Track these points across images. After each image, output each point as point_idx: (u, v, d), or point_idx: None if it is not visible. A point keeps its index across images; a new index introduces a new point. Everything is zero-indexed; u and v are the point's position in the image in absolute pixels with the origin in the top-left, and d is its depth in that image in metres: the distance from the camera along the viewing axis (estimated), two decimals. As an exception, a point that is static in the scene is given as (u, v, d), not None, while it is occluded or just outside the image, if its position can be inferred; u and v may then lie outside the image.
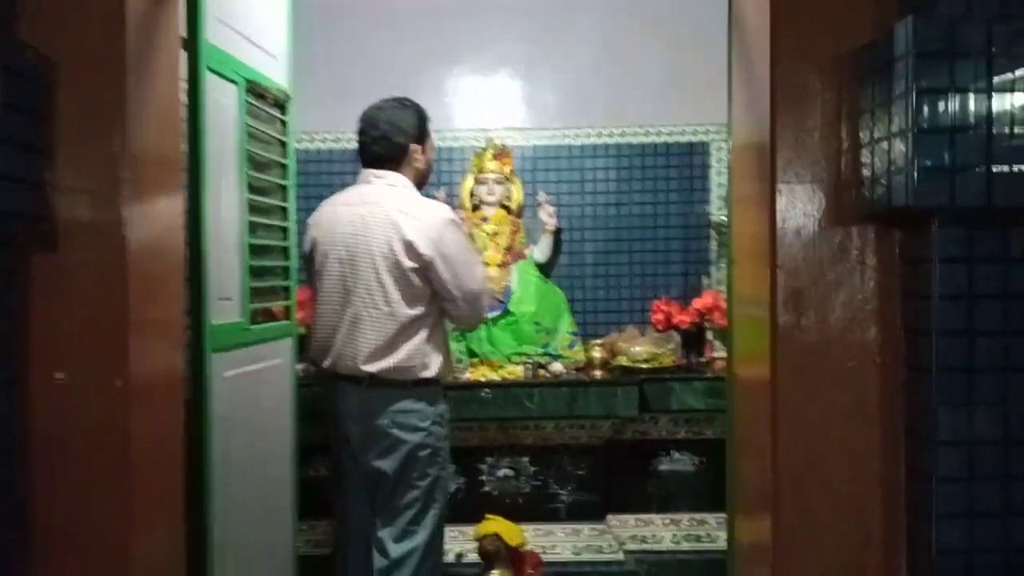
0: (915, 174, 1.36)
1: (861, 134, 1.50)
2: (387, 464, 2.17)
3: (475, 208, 3.87)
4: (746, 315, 1.80)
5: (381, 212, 2.14)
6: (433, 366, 2.20)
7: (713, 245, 4.04)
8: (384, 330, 2.13)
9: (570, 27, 4.05)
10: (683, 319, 3.89)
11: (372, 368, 2.13)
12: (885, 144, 1.42)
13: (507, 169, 3.89)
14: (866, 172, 1.49)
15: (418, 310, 2.15)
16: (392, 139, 2.26)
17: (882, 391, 1.55)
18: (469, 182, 3.91)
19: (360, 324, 2.13)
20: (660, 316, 3.92)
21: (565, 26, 4.05)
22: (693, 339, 3.92)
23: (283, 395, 2.40)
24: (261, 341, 2.24)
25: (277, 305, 2.39)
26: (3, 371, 1.49)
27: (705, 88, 4.21)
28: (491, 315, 3.72)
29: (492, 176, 3.83)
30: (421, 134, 2.32)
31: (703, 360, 3.83)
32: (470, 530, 3.18)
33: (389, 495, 2.20)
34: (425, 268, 2.12)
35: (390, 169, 2.26)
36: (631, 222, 4.06)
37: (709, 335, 3.94)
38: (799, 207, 1.56)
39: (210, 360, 1.92)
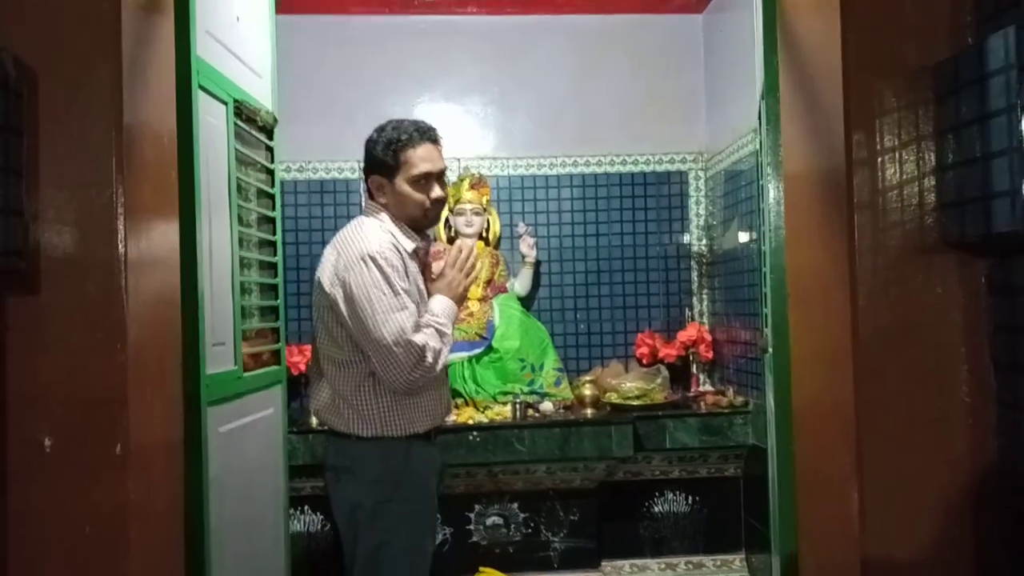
0: (1014, 197, 1.25)
1: (949, 155, 1.40)
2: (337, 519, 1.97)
3: (451, 240, 3.69)
4: (809, 352, 1.67)
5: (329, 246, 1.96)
6: (353, 424, 1.88)
7: (695, 276, 3.95)
8: (314, 368, 1.97)
9: (542, 53, 3.95)
10: (669, 352, 3.78)
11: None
12: (982, 165, 1.31)
13: (484, 199, 3.73)
14: (951, 196, 1.38)
15: (337, 353, 1.89)
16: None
17: (972, 436, 1.43)
18: (445, 212, 3.73)
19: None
20: (645, 349, 3.80)
21: (536, 51, 3.95)
22: (679, 372, 3.81)
23: (275, 448, 2.16)
24: (254, 390, 2.01)
25: (267, 350, 2.15)
26: (-24, 438, 1.24)
27: (680, 116, 4.20)
28: (474, 352, 3.57)
29: (470, 207, 3.67)
30: (374, 166, 1.95)
31: (690, 394, 3.72)
32: (460, 584, 2.96)
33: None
34: (333, 307, 1.85)
35: (371, 200, 2.00)
36: (610, 252, 3.94)
37: (694, 368, 3.84)
38: (878, 237, 1.44)
39: (206, 415, 1.69)
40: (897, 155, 1.45)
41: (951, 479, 1.43)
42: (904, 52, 1.45)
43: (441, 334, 1.90)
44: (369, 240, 1.86)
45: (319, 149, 3.85)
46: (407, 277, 1.90)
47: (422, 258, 2.04)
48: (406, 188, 1.91)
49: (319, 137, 3.81)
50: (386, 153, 1.91)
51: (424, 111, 3.94)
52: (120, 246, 1.33)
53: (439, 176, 1.96)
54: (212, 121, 1.84)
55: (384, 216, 1.95)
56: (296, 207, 3.85)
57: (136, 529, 1.32)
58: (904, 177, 1.45)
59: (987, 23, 1.40)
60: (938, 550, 1.43)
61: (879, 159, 1.44)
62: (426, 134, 1.94)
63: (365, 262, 1.82)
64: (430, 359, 1.84)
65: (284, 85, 3.27)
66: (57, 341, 1.30)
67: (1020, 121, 1.25)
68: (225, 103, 1.92)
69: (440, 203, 1.97)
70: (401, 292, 1.84)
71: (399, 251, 1.90)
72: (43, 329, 1.30)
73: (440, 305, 1.95)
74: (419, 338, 1.82)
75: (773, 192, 1.84)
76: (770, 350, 1.92)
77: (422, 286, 1.99)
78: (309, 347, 3.49)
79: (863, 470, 1.43)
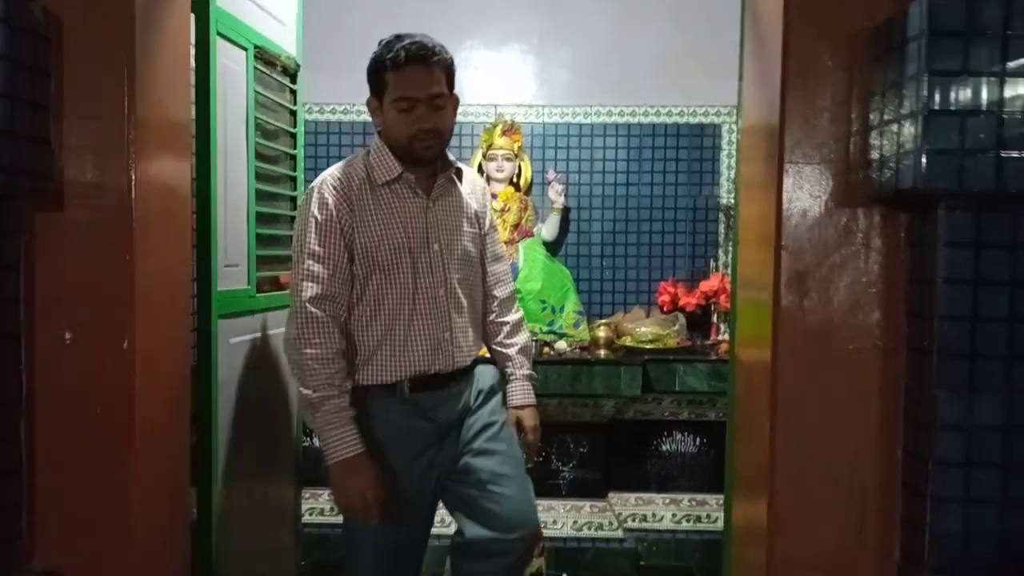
0: (924, 157, 1.34)
1: (871, 115, 1.49)
2: None
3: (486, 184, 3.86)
4: (749, 297, 1.80)
5: None
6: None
7: (722, 228, 4.03)
8: None
9: (582, 4, 4.02)
10: (689, 301, 3.89)
11: None
12: (895, 126, 1.41)
13: (516, 146, 3.88)
14: (875, 154, 1.48)
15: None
16: None
17: (883, 375, 1.55)
18: (478, 158, 3.90)
19: None
20: (666, 298, 3.92)
21: (577, 3, 4.02)
22: (699, 321, 3.93)
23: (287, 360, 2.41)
24: (267, 309, 2.25)
25: (285, 275, 2.39)
26: (10, 322, 1.50)
27: (717, 69, 4.20)
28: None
29: (501, 152, 3.82)
30: (370, 85, 1.84)
31: (708, 342, 3.84)
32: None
33: None
34: None
35: None
36: (640, 203, 4.04)
37: (715, 318, 3.95)
38: (806, 188, 1.55)
39: (216, 326, 1.93)
40: (830, 114, 1.55)
41: (861, 416, 1.56)
42: (844, 16, 1.53)
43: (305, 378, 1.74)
44: (320, 178, 1.82)
45: (358, 93, 4.04)
46: (362, 211, 1.78)
47: (421, 188, 1.85)
48: (390, 112, 1.78)
49: (360, 81, 4.00)
50: (373, 73, 1.80)
51: (462, 59, 4.08)
52: (130, 172, 1.55)
53: (429, 101, 1.76)
54: (231, 65, 2.05)
55: (377, 143, 1.85)
56: (328, 147, 4.08)
57: (140, 412, 1.58)
58: (836, 134, 1.55)
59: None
60: (844, 481, 1.57)
61: (812, 117, 1.55)
62: (415, 55, 1.75)
63: (304, 203, 1.81)
64: (296, 351, 1.75)
65: (320, 30, 3.47)
66: (76, 251, 1.55)
67: (926, 85, 1.34)
68: (245, 48, 2.12)
69: (431, 133, 1.78)
70: (316, 246, 1.75)
71: (352, 184, 1.78)
72: (64, 241, 1.55)
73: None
74: (302, 318, 1.73)
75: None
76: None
77: (410, 220, 1.82)
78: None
79: (777, 403, 1.57)
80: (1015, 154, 1.33)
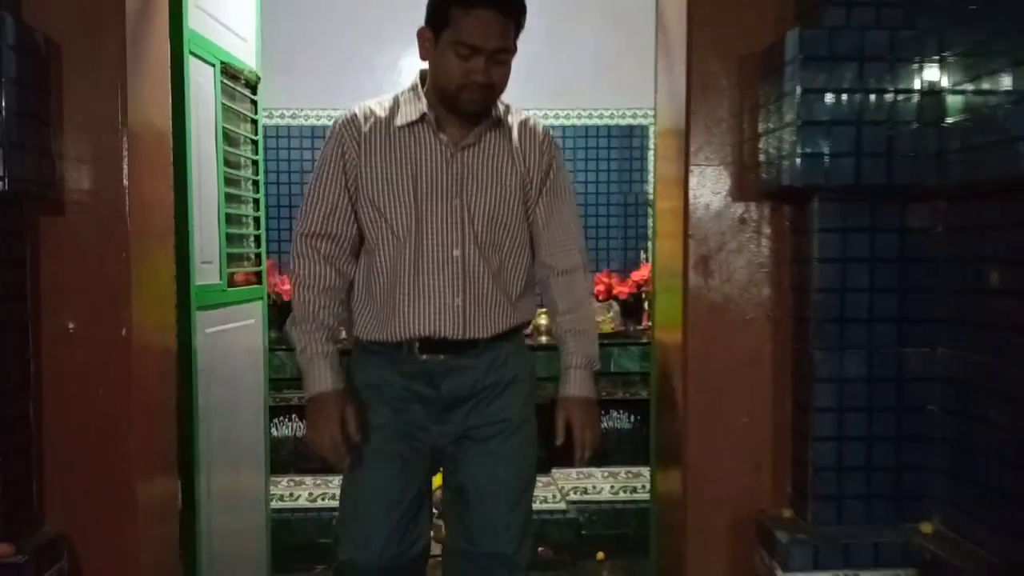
0: (798, 160, 1.65)
1: (760, 125, 1.80)
2: None
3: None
4: (665, 284, 2.09)
5: None
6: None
7: (651, 222, 4.35)
8: None
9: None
10: (622, 290, 4.22)
11: None
12: (777, 134, 1.71)
13: (459, 147, 4.13)
14: (763, 157, 1.79)
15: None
16: None
17: (774, 340, 1.86)
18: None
19: None
20: (601, 287, 4.24)
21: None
22: (631, 308, 4.25)
23: (256, 353, 2.62)
24: (236, 303, 2.46)
25: (249, 271, 2.60)
26: (18, 314, 1.70)
27: (644, 75, 4.51)
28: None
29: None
30: (428, 14, 1.63)
31: (640, 327, 4.16)
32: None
33: None
34: None
35: None
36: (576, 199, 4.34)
37: (646, 305, 4.28)
38: (708, 186, 1.85)
39: (194, 317, 2.14)
40: (726, 124, 1.85)
41: (757, 375, 1.87)
42: (737, 41, 1.83)
43: (298, 315, 1.68)
44: (355, 105, 1.71)
45: (313, 97, 4.28)
46: (370, 151, 1.65)
47: (449, 135, 1.66)
48: (446, 54, 1.57)
49: (313, 86, 4.24)
50: (437, 4, 1.60)
51: (410, 62, 4.34)
52: (124, 179, 1.76)
53: (492, 55, 1.56)
54: (201, 81, 2.25)
55: (412, 86, 1.70)
56: (289, 150, 4.29)
57: (136, 394, 1.79)
58: (731, 141, 1.85)
59: (797, 22, 1.79)
60: (745, 429, 1.87)
61: (712, 126, 1.85)
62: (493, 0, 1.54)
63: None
64: (292, 284, 1.70)
65: (280, 38, 3.67)
66: (77, 251, 1.75)
67: (799, 101, 1.65)
68: (213, 65, 2.33)
69: (482, 88, 1.58)
70: (317, 180, 1.69)
71: (369, 120, 1.67)
72: (66, 242, 1.75)
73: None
74: (294, 252, 1.69)
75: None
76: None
77: (424, 167, 1.65)
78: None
79: (688, 367, 1.87)
80: (870, 156, 1.65)
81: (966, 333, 1.66)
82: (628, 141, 4.37)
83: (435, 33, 1.60)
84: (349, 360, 1.77)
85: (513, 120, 1.73)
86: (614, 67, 4.28)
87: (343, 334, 1.75)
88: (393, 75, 4.27)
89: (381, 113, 1.69)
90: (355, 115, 1.69)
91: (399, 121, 1.67)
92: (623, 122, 4.38)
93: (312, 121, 4.31)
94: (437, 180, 1.66)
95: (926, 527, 1.73)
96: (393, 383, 1.70)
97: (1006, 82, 1.43)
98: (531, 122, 1.77)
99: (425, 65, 1.68)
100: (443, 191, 1.66)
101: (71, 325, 1.76)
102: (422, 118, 1.66)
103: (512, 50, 1.61)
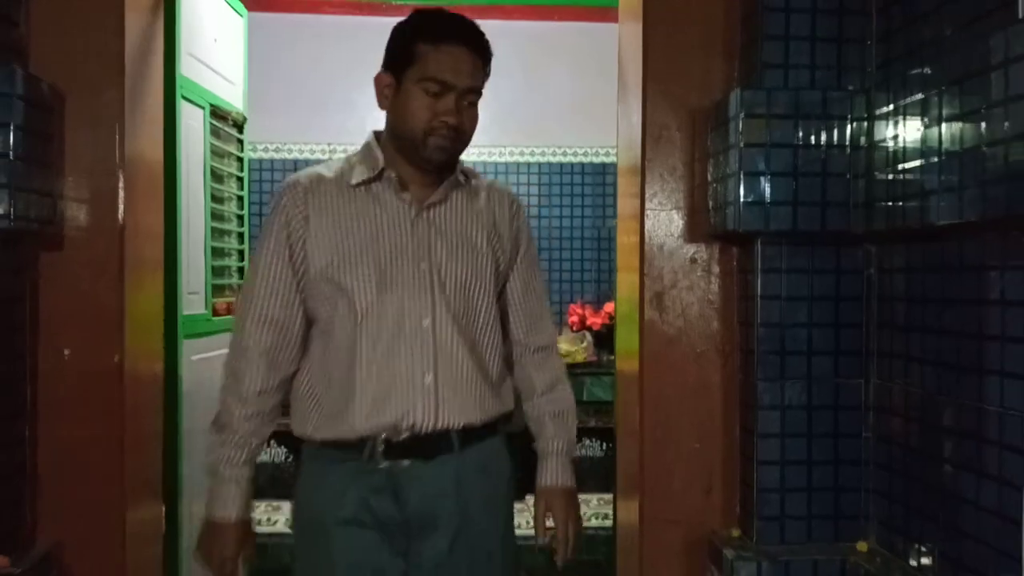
0: (741, 207, 1.82)
1: (708, 173, 1.96)
2: None
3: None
4: (625, 315, 2.24)
5: None
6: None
7: (621, 255, 4.53)
8: None
9: (496, 54, 4.48)
10: (595, 321, 4.37)
11: None
12: (724, 182, 1.88)
13: (438, 182, 4.30)
14: (711, 202, 1.95)
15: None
16: None
17: (723, 371, 2.01)
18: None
19: None
20: (575, 318, 4.39)
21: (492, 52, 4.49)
22: (604, 338, 4.40)
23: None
24: (221, 331, 2.59)
25: (230, 300, 2.73)
26: (17, 345, 1.82)
27: (613, 115, 4.76)
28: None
29: (424, 188, 4.23)
30: (386, 58, 1.50)
31: (612, 357, 4.31)
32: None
33: None
34: None
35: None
36: (551, 233, 4.53)
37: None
38: (662, 228, 2.01)
39: (181, 345, 2.27)
40: (679, 171, 2.02)
41: (707, 403, 2.02)
42: (688, 96, 2.00)
43: (220, 427, 1.50)
44: (286, 180, 1.51)
45: (293, 133, 4.46)
46: (320, 215, 1.45)
47: (412, 192, 1.49)
48: (411, 93, 1.42)
49: (293, 123, 4.41)
50: (400, 40, 1.45)
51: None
52: (119, 217, 1.90)
53: (462, 95, 1.42)
54: (192, 123, 2.40)
55: (366, 142, 1.54)
56: (272, 183, 4.44)
57: (127, 419, 1.91)
58: (683, 187, 2.02)
59: (741, 81, 1.96)
60: (697, 454, 2.01)
61: (665, 173, 2.01)
62: (465, 34, 1.44)
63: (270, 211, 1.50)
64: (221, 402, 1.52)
65: (264, 77, 3.84)
66: (74, 283, 1.88)
67: (740, 153, 1.81)
68: (203, 108, 2.48)
69: (452, 131, 1.42)
70: (260, 256, 1.47)
71: (318, 182, 1.47)
72: (65, 274, 1.88)
73: None
74: (231, 340, 1.51)
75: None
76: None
77: (386, 228, 1.46)
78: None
79: (644, 396, 2.01)
80: (805, 204, 1.82)
81: (893, 365, 1.81)
82: (601, 178, 4.55)
83: (397, 75, 1.45)
84: (297, 470, 1.58)
85: (479, 183, 1.59)
86: (586, 107, 4.46)
87: (262, 450, 1.56)
88: (369, 111, 4.45)
89: (330, 175, 1.49)
90: (298, 180, 1.49)
91: (354, 179, 1.48)
92: (596, 159, 4.56)
93: (296, 155, 4.47)
94: (401, 243, 1.46)
95: (862, 545, 1.87)
96: (347, 500, 1.45)
97: (919, 140, 1.60)
98: (498, 186, 1.63)
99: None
100: (409, 255, 1.46)
101: (66, 352, 1.88)
102: (380, 174, 1.48)
103: (480, 93, 1.47)
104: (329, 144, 4.47)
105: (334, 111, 4.42)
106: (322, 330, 1.49)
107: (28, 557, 1.78)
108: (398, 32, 1.47)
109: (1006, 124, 1.34)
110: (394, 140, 1.49)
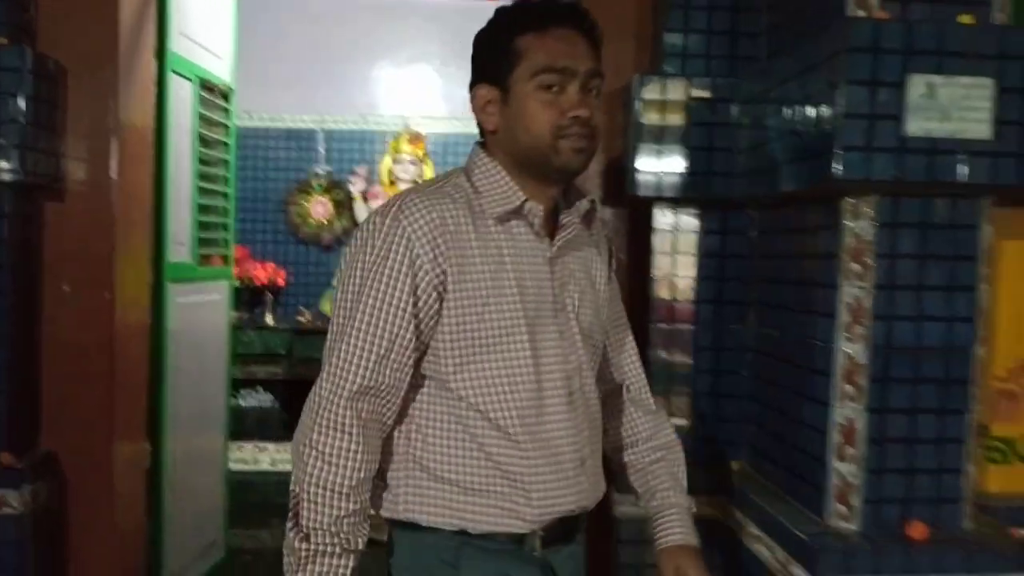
0: (638, 174, 2.13)
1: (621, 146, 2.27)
2: None
3: (392, 183, 4.61)
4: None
5: None
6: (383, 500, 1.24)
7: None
8: None
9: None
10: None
11: None
12: (629, 155, 2.19)
13: (420, 152, 4.62)
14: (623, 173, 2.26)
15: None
16: None
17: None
18: (388, 161, 4.64)
19: None
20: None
21: (473, 30, 4.79)
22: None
23: (220, 327, 3.10)
24: (205, 279, 2.93)
25: (217, 253, 3.07)
26: (30, 285, 2.16)
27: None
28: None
29: (407, 157, 4.56)
30: (479, 71, 1.25)
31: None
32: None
33: None
34: None
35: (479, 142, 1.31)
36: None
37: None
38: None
39: (167, 288, 2.61)
40: (603, 143, 2.32)
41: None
42: (611, 79, 2.29)
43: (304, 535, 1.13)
44: (408, 193, 1.19)
45: (289, 105, 4.83)
46: (462, 261, 1.16)
47: (544, 229, 1.23)
48: (526, 97, 1.17)
49: (289, 94, 4.77)
50: (493, 43, 1.22)
51: (375, 76, 4.88)
52: (112, 175, 2.23)
53: (586, 81, 1.18)
54: (182, 94, 2.72)
55: (482, 161, 1.24)
56: (267, 149, 4.83)
57: (118, 344, 2.26)
58: (603, 157, 2.33)
59: (648, 67, 2.26)
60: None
61: (583, 146, 2.32)
62: (568, 14, 1.20)
63: (372, 222, 1.19)
64: (296, 481, 1.16)
65: (260, 51, 4.17)
66: (73, 228, 2.22)
67: (638, 132, 2.12)
68: (191, 80, 2.79)
69: (585, 127, 1.18)
70: (370, 308, 1.14)
71: (450, 217, 1.16)
72: (65, 222, 2.22)
73: None
74: (323, 419, 1.14)
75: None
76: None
77: (529, 276, 1.21)
78: (270, 263, 4.51)
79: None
80: (694, 174, 2.13)
81: (765, 313, 2.13)
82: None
83: (500, 83, 1.20)
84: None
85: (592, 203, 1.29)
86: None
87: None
88: (365, 85, 4.82)
89: (461, 203, 1.19)
90: (428, 205, 1.16)
91: (492, 210, 1.20)
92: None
93: (288, 124, 4.87)
94: (542, 292, 1.22)
95: (736, 465, 2.20)
96: None
97: (776, 121, 1.91)
98: (596, 205, 1.31)
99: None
100: (549, 304, 1.22)
101: (66, 288, 2.22)
102: (521, 207, 1.20)
103: (604, 78, 1.22)
104: (320, 115, 4.84)
105: (327, 84, 4.78)
106: (444, 397, 1.20)
107: (29, 456, 2.14)
108: (488, 36, 1.24)
109: (822, 108, 1.66)
110: (513, 157, 1.22)
